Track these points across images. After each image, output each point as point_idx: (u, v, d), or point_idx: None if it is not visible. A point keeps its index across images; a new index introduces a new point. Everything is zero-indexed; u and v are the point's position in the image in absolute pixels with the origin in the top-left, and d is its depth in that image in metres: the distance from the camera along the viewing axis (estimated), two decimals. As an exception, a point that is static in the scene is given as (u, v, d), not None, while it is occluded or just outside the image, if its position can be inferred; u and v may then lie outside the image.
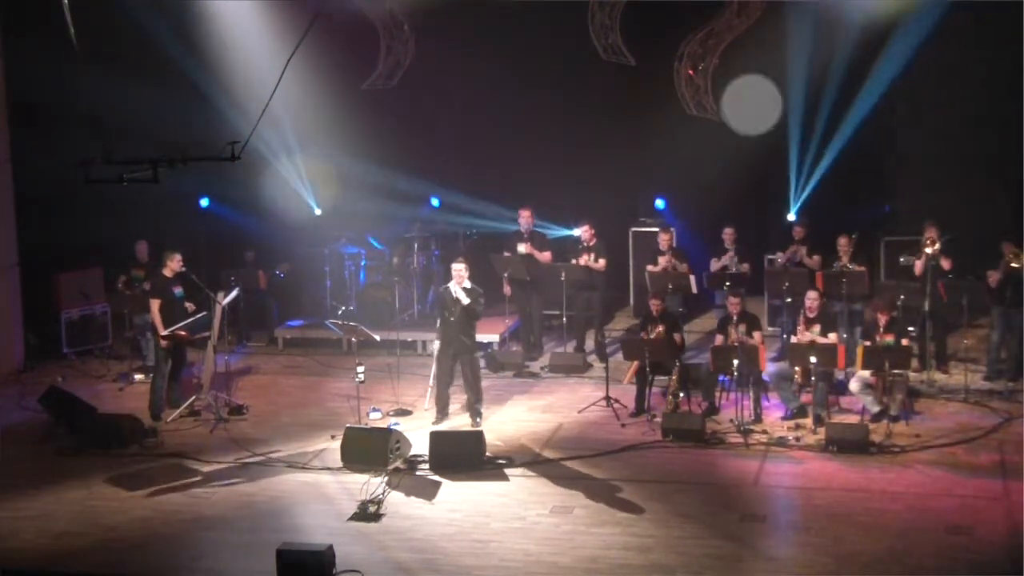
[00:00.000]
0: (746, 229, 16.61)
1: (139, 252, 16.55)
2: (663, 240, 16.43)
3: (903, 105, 17.03)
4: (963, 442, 12.92)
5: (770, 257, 16.57)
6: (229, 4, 17.55)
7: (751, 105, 17.45)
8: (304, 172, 18.55)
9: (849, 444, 12.65)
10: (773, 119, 17.32)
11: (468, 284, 13.75)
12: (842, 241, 15.38)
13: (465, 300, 13.59)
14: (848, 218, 16.21)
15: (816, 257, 15.94)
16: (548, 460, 12.78)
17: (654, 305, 14.28)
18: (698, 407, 13.92)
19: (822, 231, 16.24)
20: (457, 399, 14.08)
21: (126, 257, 16.67)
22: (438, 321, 14.00)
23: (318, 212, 18.53)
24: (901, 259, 15.43)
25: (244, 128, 11.77)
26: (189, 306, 14.41)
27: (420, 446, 12.72)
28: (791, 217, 17.01)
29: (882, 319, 13.59)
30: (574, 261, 16.28)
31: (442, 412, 13.88)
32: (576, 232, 16.54)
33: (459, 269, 13.79)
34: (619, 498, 11.72)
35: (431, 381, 14.16)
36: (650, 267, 16.36)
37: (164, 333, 14.16)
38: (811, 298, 13.96)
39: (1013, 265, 14.37)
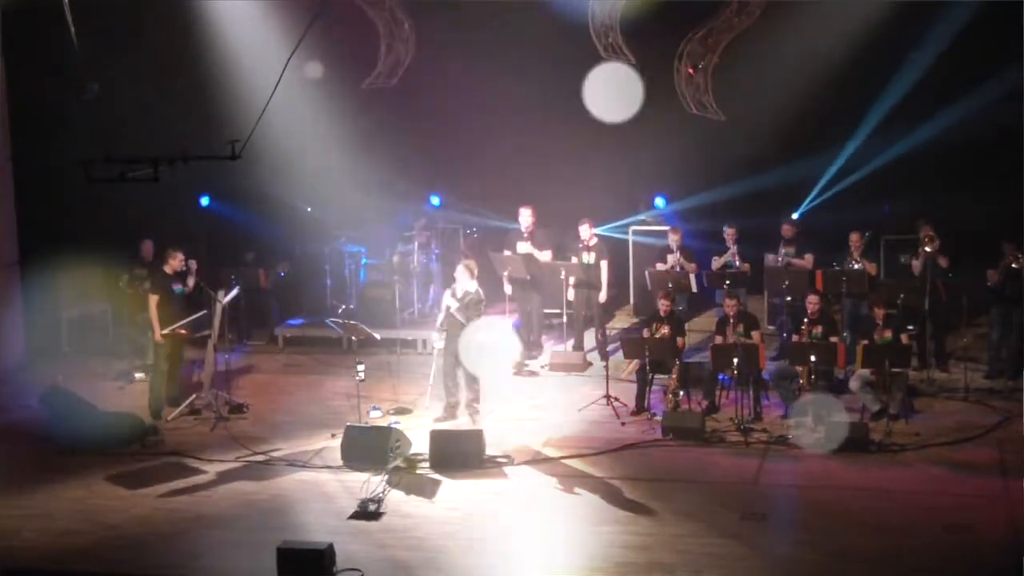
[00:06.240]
0: (747, 228, 16.61)
1: (144, 251, 16.51)
2: (673, 239, 16.43)
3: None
4: (963, 441, 12.93)
5: (768, 255, 16.58)
6: (229, 4, 17.55)
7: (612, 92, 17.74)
8: (302, 171, 18.55)
9: (849, 443, 12.66)
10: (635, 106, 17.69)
11: (472, 287, 13.70)
12: (854, 237, 15.40)
13: (454, 306, 13.58)
14: (847, 218, 16.23)
15: (808, 256, 15.94)
16: (548, 458, 12.79)
17: (663, 305, 14.28)
18: (698, 405, 13.94)
19: (821, 229, 16.29)
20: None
21: (129, 256, 16.65)
22: (438, 320, 14.03)
23: (309, 210, 18.51)
24: (901, 259, 15.46)
25: (244, 127, 11.76)
26: (190, 282, 14.40)
27: (420, 444, 12.73)
28: (794, 216, 17.04)
29: (879, 315, 13.61)
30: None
31: (449, 410, 13.83)
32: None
33: (458, 272, 13.78)
34: (619, 496, 11.73)
35: (431, 380, 14.16)
36: (659, 264, 16.36)
37: (164, 332, 14.18)
38: (811, 302, 13.97)
39: (1013, 266, 14.39)
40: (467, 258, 14.65)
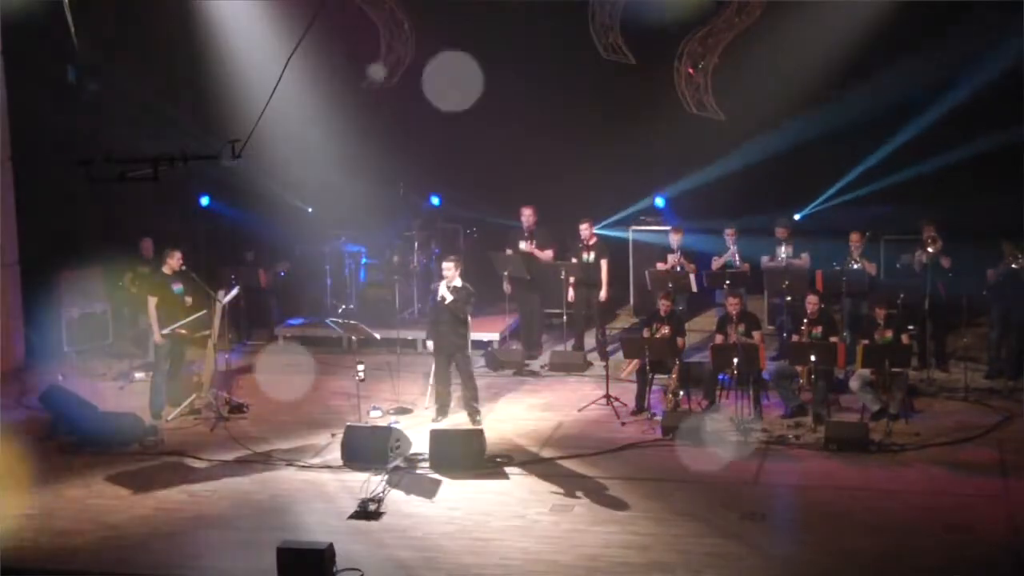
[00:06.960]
0: (747, 228, 16.60)
1: (144, 249, 16.54)
2: (674, 239, 16.44)
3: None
4: (963, 440, 12.93)
5: (763, 258, 16.56)
6: (230, 3, 17.55)
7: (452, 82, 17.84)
8: (302, 171, 18.55)
9: (849, 442, 12.66)
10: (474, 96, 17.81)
11: (458, 282, 13.73)
12: (854, 237, 15.41)
13: (449, 298, 13.60)
14: (847, 218, 16.24)
15: (804, 256, 15.94)
16: (548, 458, 12.79)
17: (663, 306, 14.28)
18: (698, 405, 13.94)
19: (820, 230, 16.28)
20: (455, 397, 14.09)
21: (130, 255, 16.65)
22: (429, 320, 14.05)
23: (309, 210, 18.52)
24: (901, 259, 15.46)
25: (244, 127, 11.76)
26: (187, 299, 14.42)
27: (420, 444, 12.73)
28: (796, 216, 17.03)
29: (880, 315, 13.62)
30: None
31: (442, 410, 13.91)
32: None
33: (447, 267, 13.80)
34: (619, 496, 11.73)
35: (431, 379, 14.18)
36: (659, 264, 16.37)
37: (164, 332, 14.18)
38: (811, 302, 13.98)
39: (1013, 266, 14.39)
40: (455, 255, 14.61)
